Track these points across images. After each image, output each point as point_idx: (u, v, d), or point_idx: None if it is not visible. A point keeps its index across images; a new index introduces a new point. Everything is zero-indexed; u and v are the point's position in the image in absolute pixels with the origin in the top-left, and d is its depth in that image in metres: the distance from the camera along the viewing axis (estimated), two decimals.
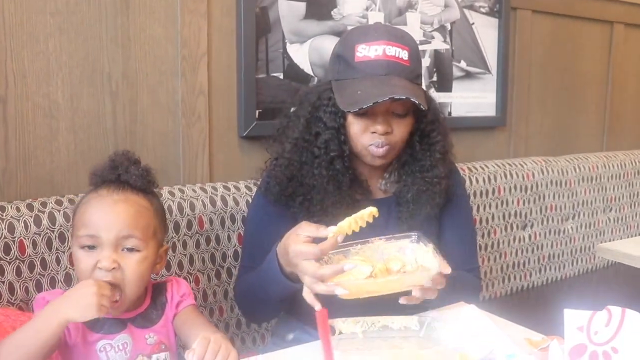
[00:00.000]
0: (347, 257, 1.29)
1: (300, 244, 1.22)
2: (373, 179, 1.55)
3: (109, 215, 1.18)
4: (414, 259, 1.27)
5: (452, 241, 1.58)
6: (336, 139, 1.45)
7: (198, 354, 1.05)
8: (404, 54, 1.42)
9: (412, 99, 1.34)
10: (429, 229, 1.54)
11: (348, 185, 1.47)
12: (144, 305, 1.26)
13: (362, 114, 1.41)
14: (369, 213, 1.20)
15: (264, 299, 1.42)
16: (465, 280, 1.53)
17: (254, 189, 1.81)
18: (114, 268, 1.16)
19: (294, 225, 1.34)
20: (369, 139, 1.43)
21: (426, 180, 1.50)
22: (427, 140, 1.51)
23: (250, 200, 1.77)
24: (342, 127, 1.45)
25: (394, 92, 1.34)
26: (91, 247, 1.17)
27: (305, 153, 1.47)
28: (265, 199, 1.51)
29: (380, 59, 1.40)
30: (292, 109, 1.57)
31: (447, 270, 1.21)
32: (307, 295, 1.24)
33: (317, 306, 1.20)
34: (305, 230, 1.24)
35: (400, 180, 1.53)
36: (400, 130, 1.45)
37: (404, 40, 1.44)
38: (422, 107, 1.38)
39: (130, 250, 1.19)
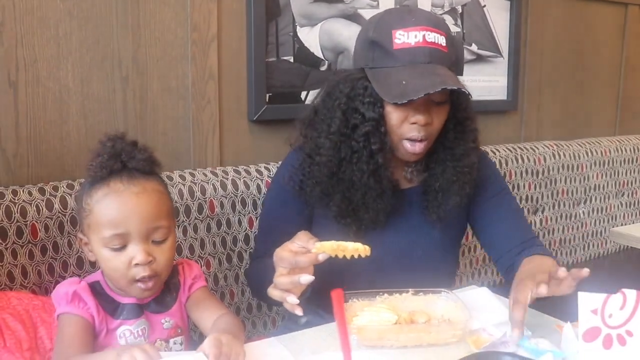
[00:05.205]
0: (372, 304, 1.27)
1: (284, 251, 1.19)
2: (397, 167, 1.48)
3: (135, 211, 1.15)
4: (440, 315, 1.25)
5: (506, 221, 1.53)
6: (377, 131, 1.36)
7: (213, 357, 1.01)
8: (442, 40, 1.34)
9: (463, 89, 1.29)
10: (458, 220, 1.52)
11: (389, 177, 1.42)
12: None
13: (402, 103, 1.32)
14: (354, 248, 1.14)
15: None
16: None
17: (265, 172, 1.81)
18: (150, 261, 1.16)
19: (311, 218, 1.39)
20: (407, 129, 1.37)
21: (457, 170, 1.44)
22: (461, 128, 1.45)
23: (260, 184, 1.78)
24: (381, 117, 1.36)
25: (445, 82, 1.28)
26: (121, 248, 1.15)
27: (344, 148, 1.39)
28: (285, 191, 1.47)
29: (421, 45, 1.32)
30: (317, 100, 1.48)
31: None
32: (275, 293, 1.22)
33: (289, 302, 1.19)
34: (299, 239, 1.19)
35: (427, 169, 1.48)
36: (439, 119, 1.39)
37: (440, 25, 1.37)
38: (470, 96, 1.34)
39: (160, 241, 1.18)
